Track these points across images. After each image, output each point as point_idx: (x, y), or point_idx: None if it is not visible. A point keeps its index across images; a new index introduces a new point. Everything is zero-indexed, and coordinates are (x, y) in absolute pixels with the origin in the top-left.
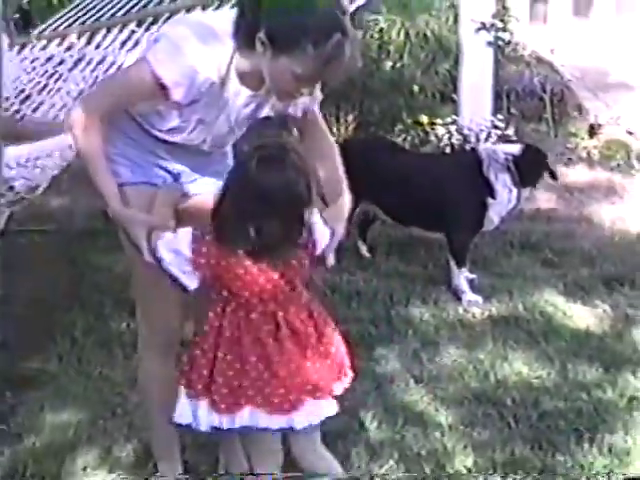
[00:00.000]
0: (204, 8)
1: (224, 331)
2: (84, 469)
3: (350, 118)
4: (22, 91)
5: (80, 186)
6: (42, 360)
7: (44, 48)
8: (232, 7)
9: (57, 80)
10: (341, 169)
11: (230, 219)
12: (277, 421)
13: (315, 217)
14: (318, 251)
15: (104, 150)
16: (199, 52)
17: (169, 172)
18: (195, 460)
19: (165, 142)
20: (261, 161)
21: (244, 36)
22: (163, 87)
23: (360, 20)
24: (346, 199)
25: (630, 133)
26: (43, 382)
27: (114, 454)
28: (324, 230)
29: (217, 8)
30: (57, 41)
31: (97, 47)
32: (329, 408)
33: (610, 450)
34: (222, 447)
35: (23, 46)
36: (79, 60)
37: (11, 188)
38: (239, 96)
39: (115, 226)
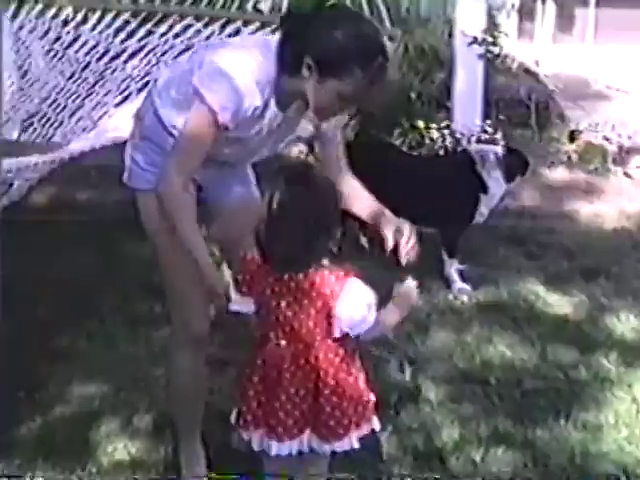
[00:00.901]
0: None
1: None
2: (107, 436)
3: (353, 123)
4: (20, 67)
5: (108, 180)
6: (72, 337)
7: (40, 15)
8: (273, 32)
9: (53, 57)
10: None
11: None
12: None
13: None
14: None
15: (137, 160)
16: (245, 79)
17: (194, 180)
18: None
19: None
20: (289, 180)
21: (289, 60)
22: (213, 113)
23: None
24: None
25: (606, 139)
26: (72, 357)
27: (135, 423)
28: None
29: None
30: (52, 12)
31: (92, 29)
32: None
33: (584, 426)
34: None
35: (19, 7)
36: (74, 40)
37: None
38: (277, 116)
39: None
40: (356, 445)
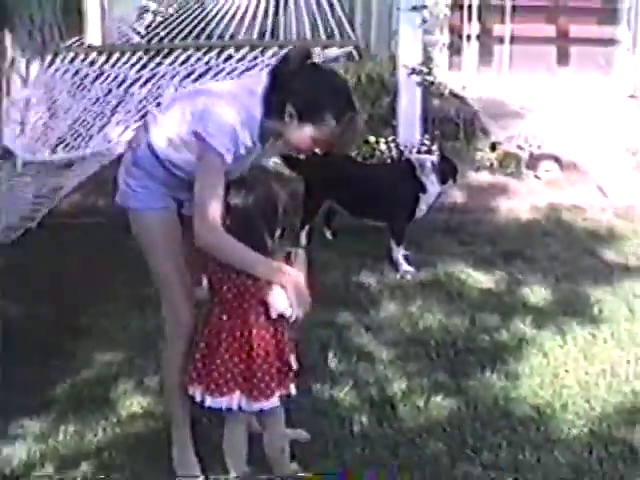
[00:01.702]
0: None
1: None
2: (124, 394)
3: None
4: (51, 98)
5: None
6: (93, 315)
7: (72, 61)
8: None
9: (82, 89)
10: None
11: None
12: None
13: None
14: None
15: (130, 183)
16: (239, 124)
17: (175, 199)
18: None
19: (175, 176)
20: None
21: (274, 107)
22: (221, 155)
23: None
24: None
25: (520, 148)
26: (94, 332)
27: (146, 383)
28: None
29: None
30: (82, 56)
31: (113, 65)
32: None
33: (506, 376)
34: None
35: (55, 56)
36: (99, 75)
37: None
38: (260, 150)
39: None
40: (277, 403)
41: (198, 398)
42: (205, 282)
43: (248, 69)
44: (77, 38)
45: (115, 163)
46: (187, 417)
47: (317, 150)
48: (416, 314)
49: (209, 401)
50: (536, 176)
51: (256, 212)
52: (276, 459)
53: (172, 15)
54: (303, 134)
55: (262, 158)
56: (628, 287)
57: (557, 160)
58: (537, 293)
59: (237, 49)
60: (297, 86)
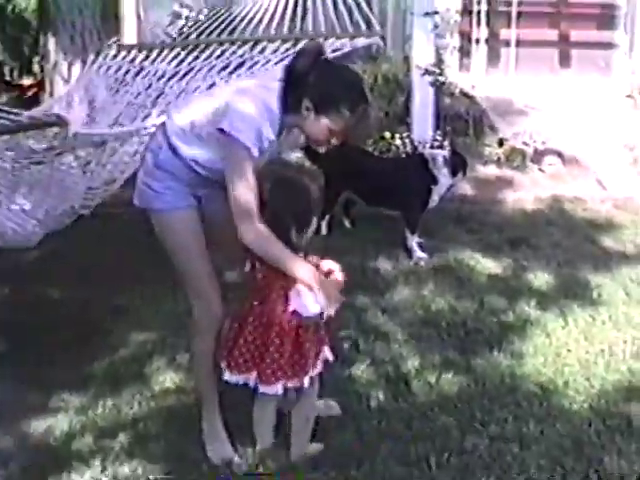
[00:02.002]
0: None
1: None
2: (157, 370)
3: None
4: (93, 95)
5: None
6: (129, 298)
7: (115, 57)
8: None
9: (124, 85)
10: None
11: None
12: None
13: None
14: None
15: (151, 185)
16: (263, 120)
17: (196, 197)
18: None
19: (199, 175)
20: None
21: (290, 101)
22: (248, 150)
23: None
24: None
25: (525, 144)
26: (130, 312)
27: (177, 361)
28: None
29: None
30: (123, 54)
31: (152, 62)
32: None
33: (512, 355)
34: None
35: (97, 54)
36: (139, 71)
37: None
38: (278, 143)
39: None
40: (278, 392)
41: (222, 373)
42: (247, 266)
43: (281, 60)
44: (116, 39)
45: None
46: (216, 394)
47: (333, 141)
48: (428, 297)
49: (227, 375)
50: (540, 170)
51: (289, 207)
52: (298, 430)
53: (202, 20)
54: (320, 126)
55: (279, 151)
56: (625, 273)
57: (560, 155)
58: (541, 278)
59: (270, 42)
60: (312, 81)
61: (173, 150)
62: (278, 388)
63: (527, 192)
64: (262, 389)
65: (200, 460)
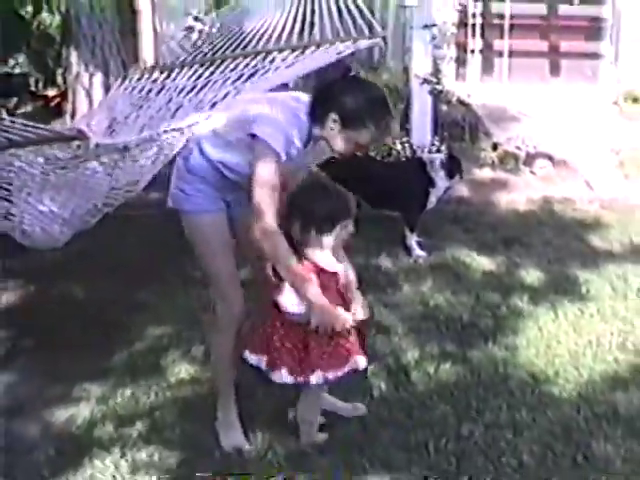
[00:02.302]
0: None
1: None
2: (173, 362)
3: None
4: (122, 112)
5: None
6: (147, 294)
7: (139, 80)
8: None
9: (146, 101)
10: None
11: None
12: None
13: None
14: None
15: (183, 188)
16: (290, 127)
17: (225, 201)
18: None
19: (228, 179)
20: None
21: (318, 115)
22: (277, 154)
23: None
24: None
25: (518, 148)
26: (147, 308)
27: (192, 353)
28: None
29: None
30: (147, 75)
31: (174, 79)
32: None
33: (506, 347)
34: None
35: (124, 78)
36: (161, 89)
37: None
38: (304, 153)
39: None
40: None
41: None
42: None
43: (289, 66)
44: (136, 64)
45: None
46: (232, 387)
47: (357, 152)
48: (427, 293)
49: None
50: (532, 172)
51: (312, 207)
52: (304, 428)
53: (215, 34)
54: (346, 139)
55: (307, 163)
56: (612, 269)
57: (550, 158)
58: (532, 274)
59: (280, 52)
60: (339, 96)
61: (203, 154)
62: (280, 376)
63: (520, 194)
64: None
65: (213, 447)
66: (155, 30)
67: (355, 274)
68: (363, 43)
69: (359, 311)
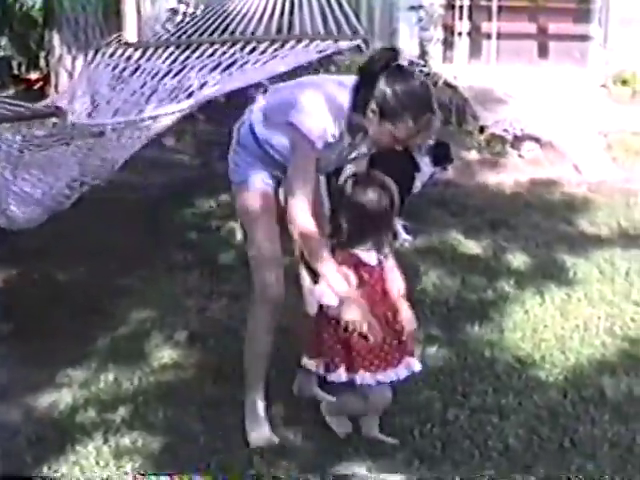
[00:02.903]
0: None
1: None
2: (156, 346)
3: None
4: (94, 91)
5: (148, 167)
6: (129, 279)
7: (111, 56)
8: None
9: (120, 82)
10: None
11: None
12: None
13: None
14: None
15: (235, 160)
16: (328, 115)
17: (274, 176)
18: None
19: (273, 159)
20: (356, 184)
21: (359, 102)
22: (312, 142)
23: (332, 59)
24: None
25: (505, 131)
26: (129, 293)
27: (175, 338)
28: None
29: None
30: (120, 52)
31: (148, 60)
32: None
33: (492, 330)
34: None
35: (96, 52)
36: (135, 69)
37: None
38: (346, 141)
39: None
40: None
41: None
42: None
43: (268, 60)
44: (116, 35)
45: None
46: (262, 379)
47: (397, 147)
48: (414, 277)
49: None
50: (519, 155)
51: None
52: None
53: (198, 16)
54: (383, 131)
55: (355, 154)
56: (599, 253)
57: (538, 141)
58: (519, 258)
59: (259, 43)
60: (381, 86)
61: (252, 130)
62: (338, 375)
63: (507, 177)
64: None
65: (197, 432)
66: (139, 11)
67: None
68: (344, 44)
69: (405, 321)
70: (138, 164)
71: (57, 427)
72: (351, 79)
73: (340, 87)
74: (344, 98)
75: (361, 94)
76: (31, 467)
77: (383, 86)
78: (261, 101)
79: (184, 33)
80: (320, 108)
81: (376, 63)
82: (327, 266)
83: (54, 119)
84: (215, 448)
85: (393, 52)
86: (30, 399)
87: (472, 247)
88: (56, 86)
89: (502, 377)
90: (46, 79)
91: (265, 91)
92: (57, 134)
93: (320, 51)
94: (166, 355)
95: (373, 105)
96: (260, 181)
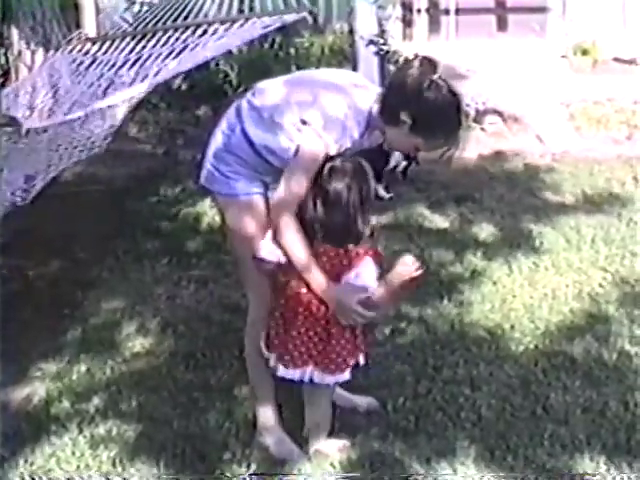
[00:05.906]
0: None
1: None
2: (127, 336)
3: None
4: (54, 85)
5: (116, 160)
6: (98, 270)
7: (71, 52)
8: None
9: (78, 76)
10: None
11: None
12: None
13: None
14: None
15: (221, 169)
16: (349, 118)
17: (263, 182)
18: None
19: (269, 163)
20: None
21: (388, 109)
22: (327, 147)
23: (291, 42)
24: None
25: (467, 105)
26: (99, 284)
27: (146, 326)
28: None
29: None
30: (79, 47)
31: (105, 52)
32: None
33: (461, 303)
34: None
35: (57, 49)
36: (92, 62)
37: None
38: (364, 140)
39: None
40: (348, 377)
41: (271, 364)
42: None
43: (219, 39)
44: (78, 32)
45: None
46: (272, 390)
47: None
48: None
49: (282, 371)
50: (482, 129)
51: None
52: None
53: (155, 4)
54: (410, 142)
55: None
56: (564, 221)
57: (500, 114)
58: (486, 230)
59: (209, 25)
60: (416, 99)
61: (245, 135)
62: (348, 373)
63: (470, 150)
64: (332, 378)
65: (171, 418)
66: (97, 3)
67: None
68: (290, 17)
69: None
70: (102, 156)
71: (32, 420)
72: (360, 77)
73: (355, 87)
74: (360, 98)
75: (392, 101)
76: (7, 461)
77: (419, 100)
78: (256, 103)
79: (142, 22)
80: (339, 110)
81: (414, 73)
82: (315, 275)
83: (8, 129)
84: (189, 433)
85: (432, 64)
86: (3, 393)
87: (438, 221)
88: (16, 79)
89: (472, 349)
90: (7, 75)
91: (253, 94)
92: (13, 139)
93: (266, 27)
94: (137, 344)
95: (405, 116)
96: (251, 190)
